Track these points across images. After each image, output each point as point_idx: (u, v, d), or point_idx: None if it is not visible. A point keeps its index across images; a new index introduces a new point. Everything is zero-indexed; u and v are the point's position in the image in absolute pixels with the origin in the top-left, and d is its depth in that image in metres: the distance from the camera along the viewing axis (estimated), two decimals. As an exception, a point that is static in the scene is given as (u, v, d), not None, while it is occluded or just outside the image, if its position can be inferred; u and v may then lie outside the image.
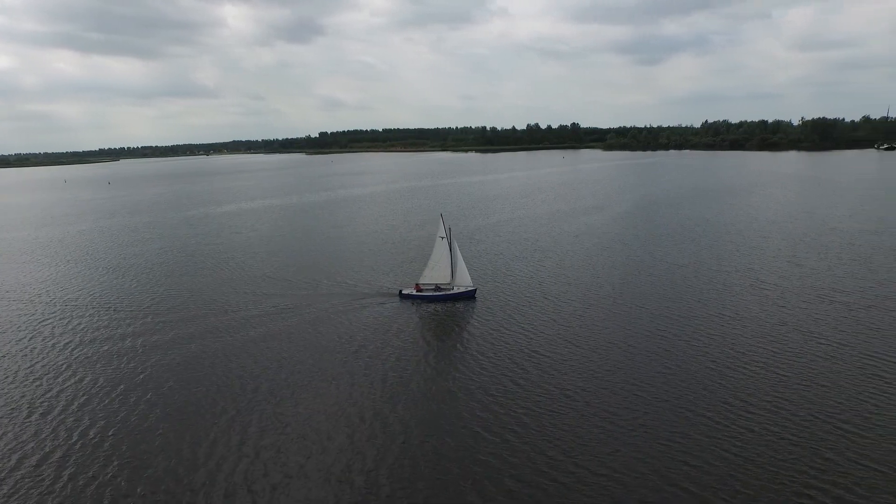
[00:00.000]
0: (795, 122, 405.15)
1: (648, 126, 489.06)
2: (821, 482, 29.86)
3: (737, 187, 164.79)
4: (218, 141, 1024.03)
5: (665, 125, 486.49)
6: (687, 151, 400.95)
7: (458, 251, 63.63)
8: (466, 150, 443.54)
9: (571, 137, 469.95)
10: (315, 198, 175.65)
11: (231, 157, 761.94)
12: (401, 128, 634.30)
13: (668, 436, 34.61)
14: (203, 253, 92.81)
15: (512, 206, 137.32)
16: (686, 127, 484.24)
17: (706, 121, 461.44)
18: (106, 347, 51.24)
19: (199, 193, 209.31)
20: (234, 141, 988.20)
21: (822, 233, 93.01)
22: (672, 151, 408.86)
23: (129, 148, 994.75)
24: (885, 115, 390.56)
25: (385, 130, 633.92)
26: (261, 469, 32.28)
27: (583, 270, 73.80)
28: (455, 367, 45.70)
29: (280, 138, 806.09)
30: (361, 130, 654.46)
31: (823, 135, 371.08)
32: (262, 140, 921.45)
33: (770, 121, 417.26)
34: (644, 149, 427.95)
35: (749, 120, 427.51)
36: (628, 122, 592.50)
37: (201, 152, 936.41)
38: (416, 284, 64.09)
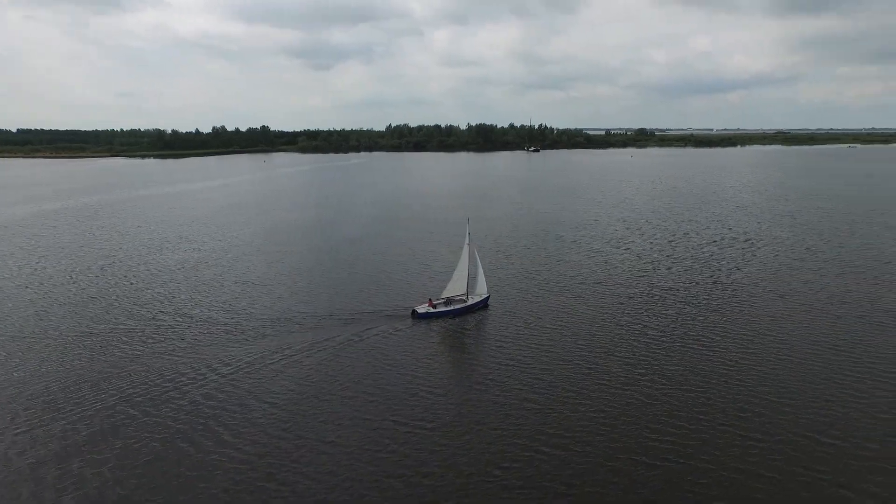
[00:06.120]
0: (463, 127, 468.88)
1: (332, 129, 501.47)
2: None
3: (453, 190, 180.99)
4: None
5: (340, 128, 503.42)
6: (376, 153, 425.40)
7: (478, 258, 60.34)
8: (143, 156, 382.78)
9: (262, 141, 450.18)
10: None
11: None
12: (45, 128, 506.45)
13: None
14: None
15: (219, 226, 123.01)
16: (371, 130, 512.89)
17: (390, 124, 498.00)
18: None
19: None
20: None
21: (552, 223, 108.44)
22: (363, 153, 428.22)
23: None
24: (529, 122, 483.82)
25: (22, 131, 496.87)
26: None
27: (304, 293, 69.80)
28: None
29: None
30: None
31: (486, 138, 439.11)
32: None
33: (444, 125, 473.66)
34: (336, 151, 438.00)
35: (427, 124, 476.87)
36: (312, 125, 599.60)
37: None
38: (430, 300, 58.44)
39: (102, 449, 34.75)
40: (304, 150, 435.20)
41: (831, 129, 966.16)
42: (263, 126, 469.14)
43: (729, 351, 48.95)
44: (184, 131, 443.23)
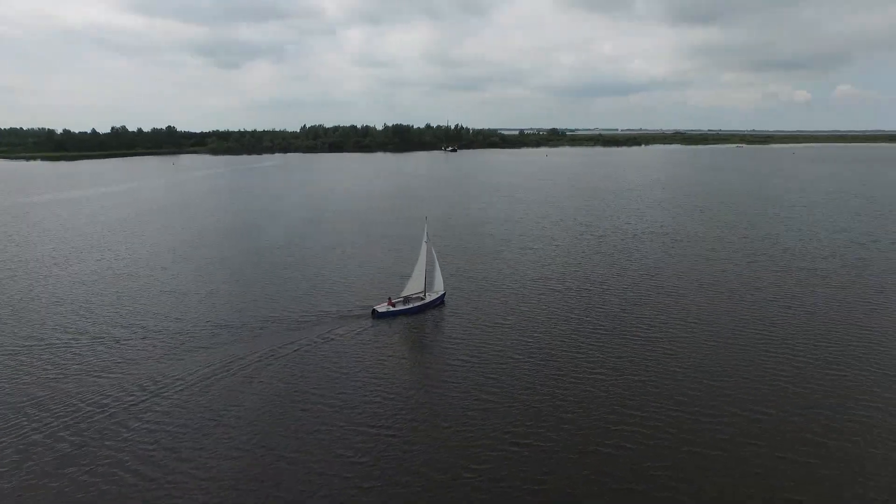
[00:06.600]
0: (380, 128, 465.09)
1: (244, 129, 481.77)
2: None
3: (375, 191, 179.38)
4: None
5: (251, 128, 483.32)
6: (291, 154, 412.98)
7: (436, 256, 61.14)
8: (29, 158, 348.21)
9: (169, 142, 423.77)
10: None
11: None
12: None
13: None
14: None
15: (135, 232, 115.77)
16: (285, 131, 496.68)
17: (304, 125, 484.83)
18: None
19: None
20: None
21: (498, 222, 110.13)
22: (277, 154, 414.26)
23: None
24: (445, 123, 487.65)
25: None
26: None
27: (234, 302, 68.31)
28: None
29: None
30: None
31: (403, 138, 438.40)
32: None
33: (360, 125, 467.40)
34: (249, 152, 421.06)
35: (342, 125, 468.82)
36: (221, 126, 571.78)
37: None
38: (389, 299, 58.56)
39: (28, 496, 31.37)
40: (215, 152, 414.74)
41: (720, 130, 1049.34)
42: (169, 126, 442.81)
43: (664, 339, 51.90)
44: (77, 131, 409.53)
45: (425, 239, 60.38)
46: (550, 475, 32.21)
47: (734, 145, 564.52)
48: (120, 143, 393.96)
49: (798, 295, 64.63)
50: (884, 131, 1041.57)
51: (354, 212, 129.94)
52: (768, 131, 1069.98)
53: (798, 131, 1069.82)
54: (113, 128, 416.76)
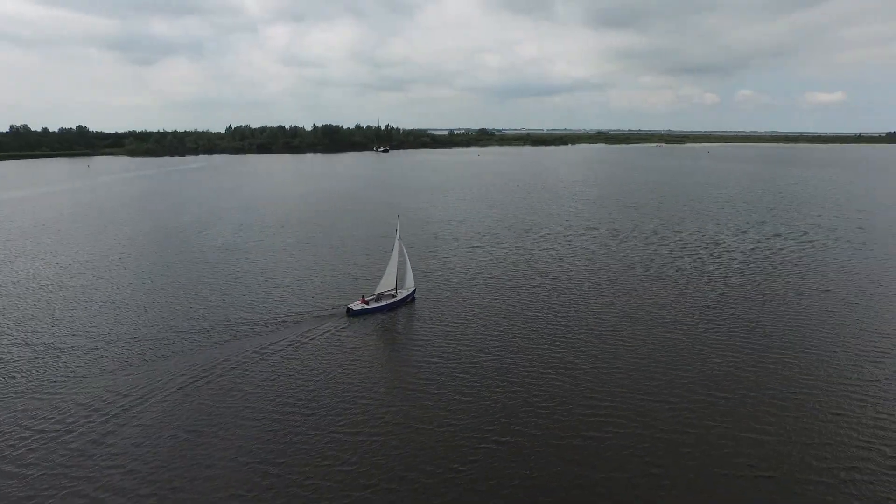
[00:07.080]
0: (308, 128, 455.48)
1: (163, 130, 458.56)
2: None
3: (310, 193, 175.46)
4: None
5: (171, 129, 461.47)
6: (218, 156, 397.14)
7: (406, 253, 61.69)
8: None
9: (80, 143, 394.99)
10: None
11: None
12: None
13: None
14: None
15: (60, 241, 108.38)
16: (209, 132, 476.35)
17: (230, 126, 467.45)
18: None
19: None
20: None
21: (473, 226, 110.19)
22: (202, 156, 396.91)
23: None
24: (376, 123, 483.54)
25: None
26: None
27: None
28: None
29: None
30: None
31: (332, 139, 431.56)
32: None
33: (288, 126, 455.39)
34: (172, 154, 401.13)
35: (270, 125, 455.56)
36: (137, 126, 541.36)
37: None
38: (362, 297, 58.40)
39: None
40: (133, 154, 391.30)
41: (640, 129, 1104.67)
42: (80, 126, 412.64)
43: (620, 330, 54.01)
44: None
45: (397, 236, 60.74)
46: (536, 469, 32.76)
47: (654, 144, 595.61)
48: (21, 144, 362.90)
49: (733, 284, 69.12)
50: (779, 133, 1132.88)
51: (302, 212, 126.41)
52: (683, 131, 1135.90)
53: (710, 132, 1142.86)
54: (12, 126, 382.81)
